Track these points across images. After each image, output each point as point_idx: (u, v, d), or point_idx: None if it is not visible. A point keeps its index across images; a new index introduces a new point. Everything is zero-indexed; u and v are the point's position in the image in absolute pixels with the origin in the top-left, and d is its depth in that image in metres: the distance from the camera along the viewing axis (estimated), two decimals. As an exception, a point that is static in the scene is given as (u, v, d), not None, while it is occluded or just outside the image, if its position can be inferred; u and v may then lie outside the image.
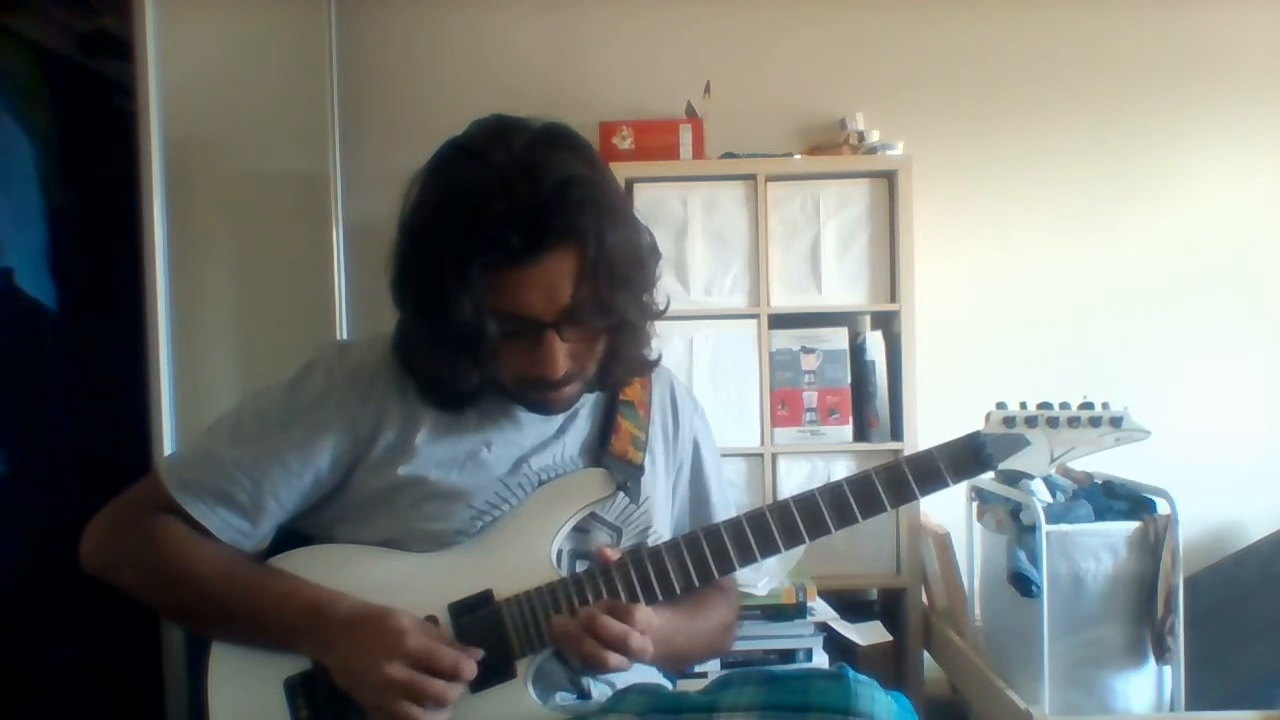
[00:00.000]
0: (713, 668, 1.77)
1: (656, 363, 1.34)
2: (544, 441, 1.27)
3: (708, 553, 1.19)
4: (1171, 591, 1.81)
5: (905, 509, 2.20)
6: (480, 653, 1.12)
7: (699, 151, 2.32)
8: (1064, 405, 1.21)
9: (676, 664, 1.39)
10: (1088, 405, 1.21)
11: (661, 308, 1.28)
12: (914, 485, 1.19)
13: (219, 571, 1.18)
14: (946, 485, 1.20)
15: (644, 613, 1.14)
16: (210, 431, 1.25)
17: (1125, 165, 2.60)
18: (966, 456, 1.20)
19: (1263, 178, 2.61)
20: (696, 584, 1.19)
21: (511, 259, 1.09)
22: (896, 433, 2.27)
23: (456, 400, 1.22)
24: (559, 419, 1.29)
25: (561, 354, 1.16)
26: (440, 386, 1.21)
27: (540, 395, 1.21)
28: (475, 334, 1.12)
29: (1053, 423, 1.20)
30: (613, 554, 1.18)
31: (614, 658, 1.11)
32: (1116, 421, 1.20)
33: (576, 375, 1.20)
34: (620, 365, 1.26)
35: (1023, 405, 1.22)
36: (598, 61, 2.58)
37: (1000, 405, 1.22)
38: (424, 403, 1.23)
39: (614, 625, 1.11)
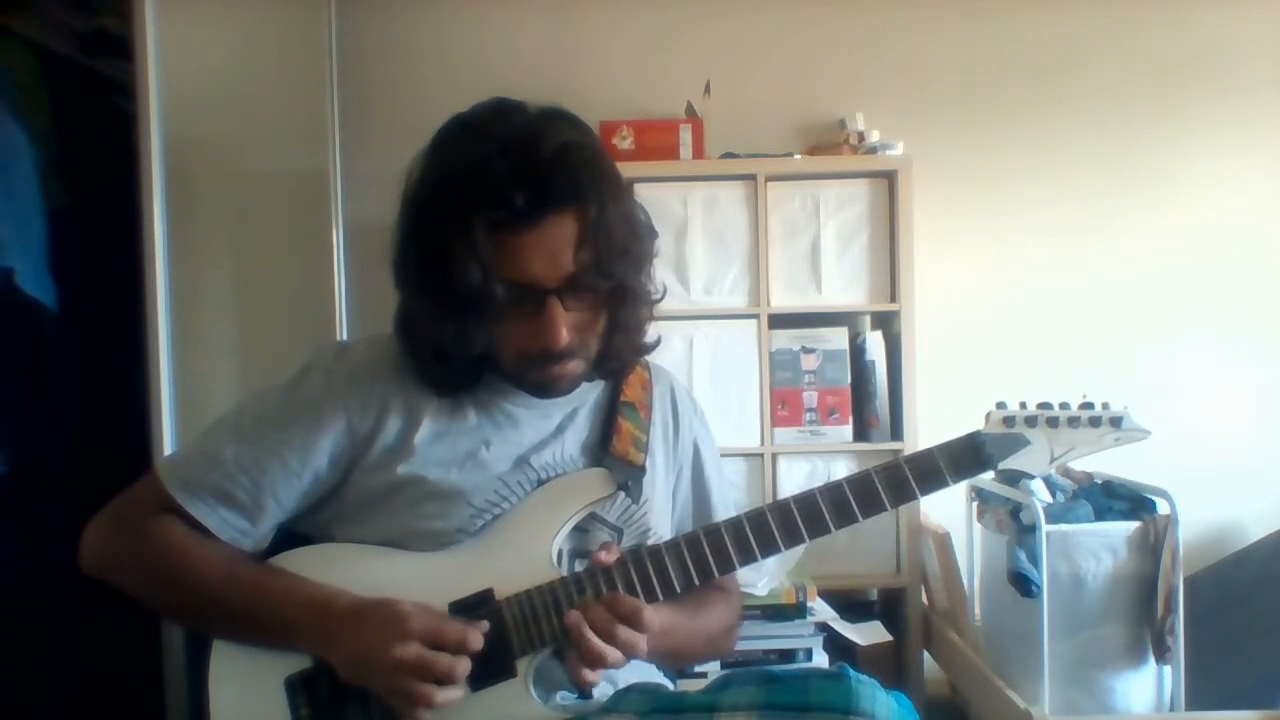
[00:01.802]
0: (713, 667, 1.77)
1: (655, 346, 1.33)
2: (543, 440, 1.27)
3: (708, 552, 1.19)
4: (1171, 591, 1.81)
5: (905, 509, 2.20)
6: (486, 624, 1.13)
7: (699, 151, 2.32)
8: (1064, 405, 1.21)
9: (675, 661, 1.39)
10: (1087, 405, 1.21)
11: (658, 295, 1.29)
12: (914, 485, 1.19)
13: (219, 571, 1.18)
14: (946, 485, 1.20)
15: (647, 611, 1.14)
16: (209, 431, 1.25)
17: (1125, 165, 2.60)
18: (966, 456, 1.20)
19: (1262, 178, 2.61)
20: (697, 583, 1.19)
21: (514, 221, 1.11)
22: (896, 433, 2.27)
23: (459, 379, 1.23)
24: (558, 416, 1.29)
25: (564, 322, 1.16)
26: (444, 362, 1.21)
27: (543, 372, 1.21)
28: (482, 297, 1.12)
29: (1052, 422, 1.20)
30: (609, 555, 1.18)
31: (613, 654, 1.12)
32: (1116, 421, 1.20)
33: (579, 350, 1.20)
34: (621, 340, 1.25)
35: (1022, 405, 1.22)
36: (598, 61, 2.58)
37: (1000, 405, 1.22)
38: (424, 390, 1.23)
39: (621, 629, 1.12)
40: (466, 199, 1.11)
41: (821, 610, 2.01)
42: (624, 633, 1.11)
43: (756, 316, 2.28)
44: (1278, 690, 1.90)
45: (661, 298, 1.30)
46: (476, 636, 1.11)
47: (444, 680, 1.08)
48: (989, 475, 1.29)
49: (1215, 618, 2.06)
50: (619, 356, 1.28)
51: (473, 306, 1.13)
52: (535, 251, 1.13)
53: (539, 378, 1.22)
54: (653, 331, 1.32)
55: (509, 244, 1.12)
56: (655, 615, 1.15)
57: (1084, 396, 1.23)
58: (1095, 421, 1.20)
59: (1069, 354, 2.57)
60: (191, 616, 1.25)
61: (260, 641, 1.17)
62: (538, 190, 1.11)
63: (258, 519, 1.21)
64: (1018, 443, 1.21)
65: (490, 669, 1.13)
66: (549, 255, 1.13)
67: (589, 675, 1.12)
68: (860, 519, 1.19)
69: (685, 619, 1.27)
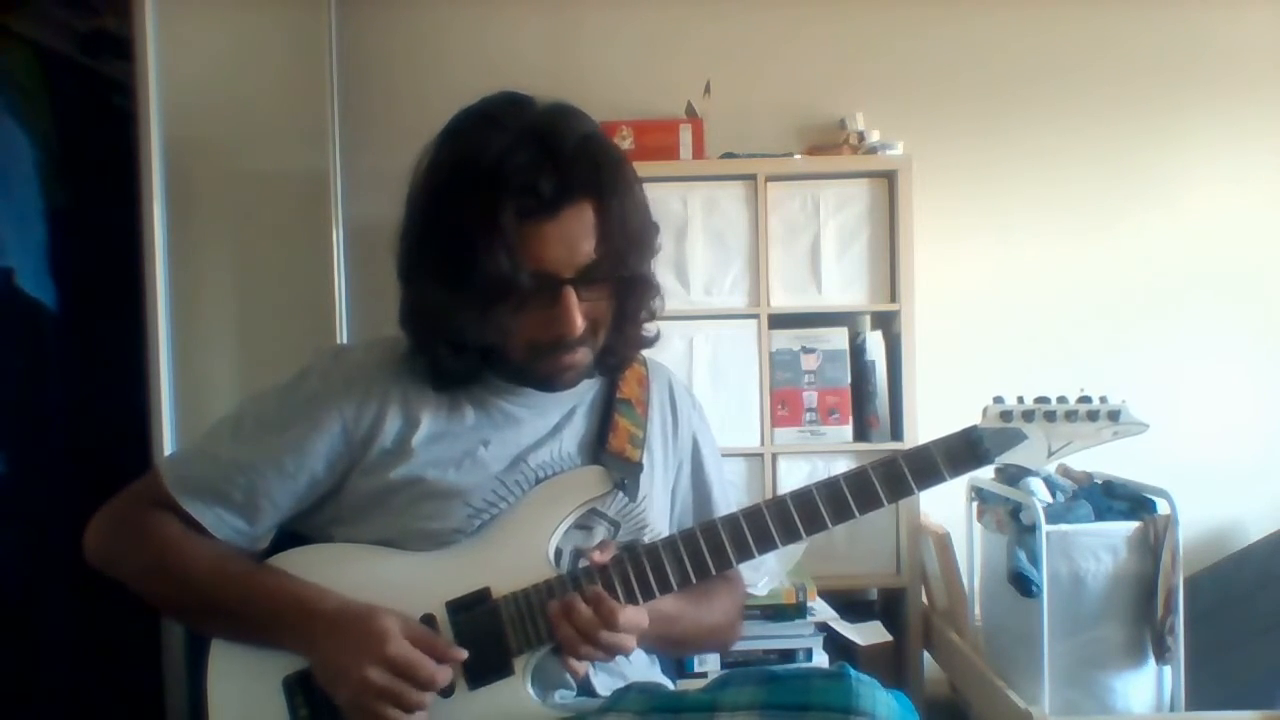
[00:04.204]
0: (713, 667, 1.77)
1: (656, 339, 1.33)
2: (541, 439, 1.27)
3: (704, 549, 1.18)
4: (1171, 591, 1.81)
5: (905, 509, 2.21)
6: (464, 654, 1.12)
7: (699, 151, 2.32)
8: (1061, 399, 1.21)
9: (678, 650, 1.39)
10: (1085, 399, 1.21)
11: (659, 286, 1.29)
12: (911, 480, 1.18)
13: (210, 567, 1.18)
14: (944, 480, 1.19)
15: (626, 615, 1.13)
16: (210, 431, 1.26)
17: (1125, 165, 2.60)
18: (963, 450, 1.20)
19: (1263, 178, 2.60)
20: (694, 580, 1.19)
21: (538, 209, 1.11)
22: (896, 433, 2.27)
23: (466, 372, 1.23)
24: (556, 415, 1.29)
25: (579, 311, 1.16)
26: (457, 353, 1.20)
27: (553, 362, 1.21)
28: (508, 285, 1.12)
29: (1050, 416, 1.20)
30: (603, 555, 1.18)
31: (597, 653, 1.12)
32: (1114, 415, 1.19)
33: (588, 339, 1.21)
34: (629, 330, 1.26)
35: (1020, 399, 1.21)
36: (598, 61, 2.59)
37: (997, 399, 1.22)
38: (423, 390, 1.23)
39: (603, 634, 1.11)
40: (491, 187, 1.11)
41: (821, 610, 2.02)
42: (606, 637, 1.11)
43: (756, 316, 2.28)
44: (1278, 690, 1.90)
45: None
46: (445, 675, 1.10)
47: (408, 710, 1.08)
48: (988, 472, 1.29)
49: (1215, 618, 2.06)
50: (622, 350, 1.29)
51: (497, 294, 1.13)
52: (554, 241, 1.13)
53: (548, 368, 1.22)
54: (653, 327, 1.32)
55: (530, 232, 1.12)
56: (641, 615, 1.14)
57: (1081, 390, 1.22)
58: (1093, 415, 1.19)
59: (1069, 354, 2.57)
60: (185, 612, 1.25)
61: (249, 639, 1.17)
62: (561, 179, 1.11)
63: (254, 519, 1.21)
64: (1015, 437, 1.20)
65: (488, 667, 1.14)
66: (567, 244, 1.14)
67: (575, 666, 1.13)
68: (858, 515, 1.19)
69: (689, 608, 1.27)
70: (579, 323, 1.16)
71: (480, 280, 1.12)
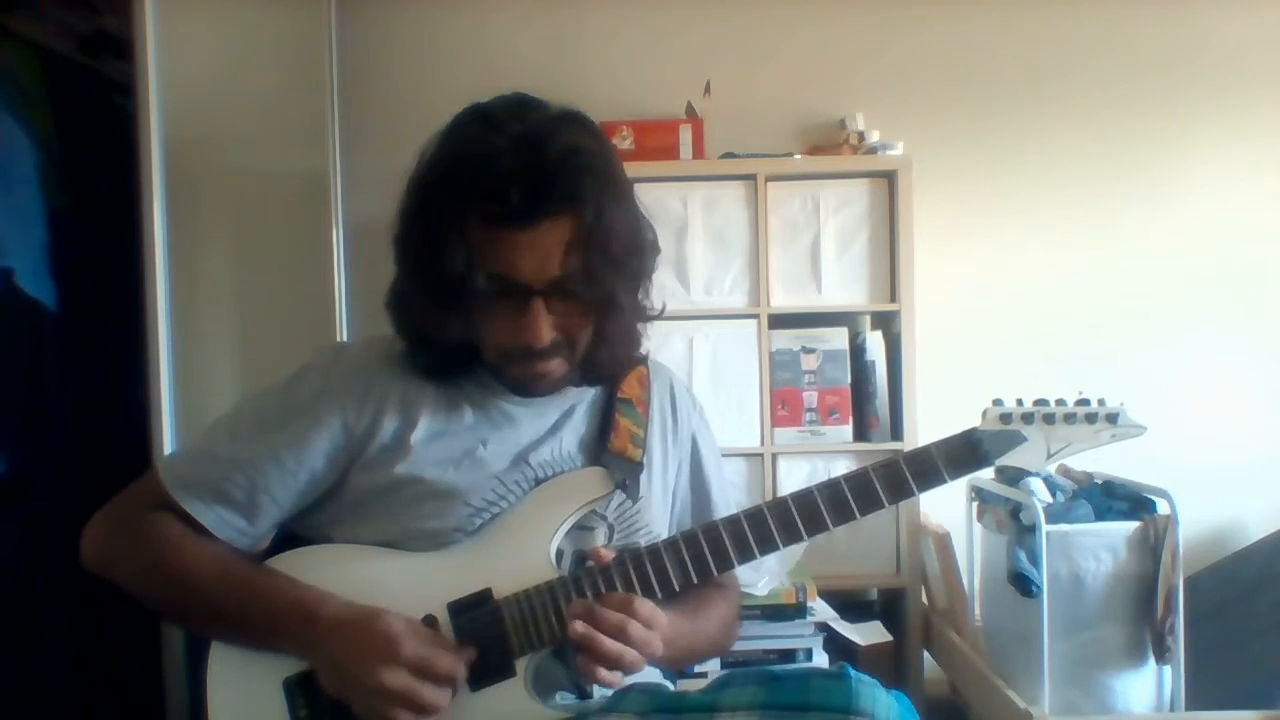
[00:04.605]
0: (713, 667, 1.77)
1: (644, 360, 1.34)
2: (540, 437, 1.27)
3: (706, 550, 1.18)
4: (1171, 591, 1.81)
5: (905, 509, 2.21)
6: (473, 653, 1.12)
7: (699, 151, 2.32)
8: (1060, 401, 1.21)
9: (679, 663, 1.39)
10: (1084, 401, 1.21)
11: (655, 310, 1.29)
12: (911, 482, 1.19)
13: (210, 569, 1.17)
14: (944, 482, 1.20)
15: (647, 606, 1.13)
16: (209, 431, 1.26)
17: (1125, 165, 2.60)
18: (963, 453, 1.20)
19: (1262, 177, 2.60)
20: (695, 582, 1.19)
21: (509, 218, 1.11)
22: (896, 433, 2.27)
23: (445, 365, 1.24)
24: (555, 414, 1.29)
25: (545, 323, 1.17)
26: (429, 346, 1.22)
27: (523, 369, 1.21)
28: (462, 287, 1.13)
29: (1049, 419, 1.20)
30: (607, 554, 1.18)
31: (629, 653, 1.11)
32: (1112, 417, 1.20)
33: (561, 349, 1.21)
34: (606, 351, 1.25)
35: (1019, 402, 1.22)
36: (598, 61, 2.59)
37: (997, 402, 1.22)
38: (421, 388, 1.24)
39: (634, 626, 1.11)
40: (465, 189, 1.12)
41: (821, 610, 2.01)
42: (637, 630, 1.11)
43: (756, 316, 2.28)
44: (1278, 690, 1.90)
45: (659, 314, 1.31)
46: (463, 670, 1.10)
47: (429, 711, 1.08)
48: (988, 472, 1.29)
49: (1215, 618, 2.05)
50: (606, 365, 1.29)
51: (453, 295, 1.14)
52: (526, 250, 1.13)
53: (518, 374, 1.23)
54: (645, 344, 1.33)
55: (502, 239, 1.12)
56: (659, 612, 1.14)
57: (1080, 393, 1.23)
58: (1091, 417, 1.20)
59: (1069, 354, 2.56)
60: (184, 615, 1.24)
61: (249, 642, 1.17)
62: (537, 190, 1.11)
63: (254, 518, 1.21)
64: (1014, 439, 1.20)
65: (489, 669, 1.13)
66: (539, 256, 1.13)
67: (609, 677, 1.12)
68: (859, 516, 1.19)
69: (686, 623, 1.26)
70: (544, 334, 1.17)
71: (440, 279, 1.13)
